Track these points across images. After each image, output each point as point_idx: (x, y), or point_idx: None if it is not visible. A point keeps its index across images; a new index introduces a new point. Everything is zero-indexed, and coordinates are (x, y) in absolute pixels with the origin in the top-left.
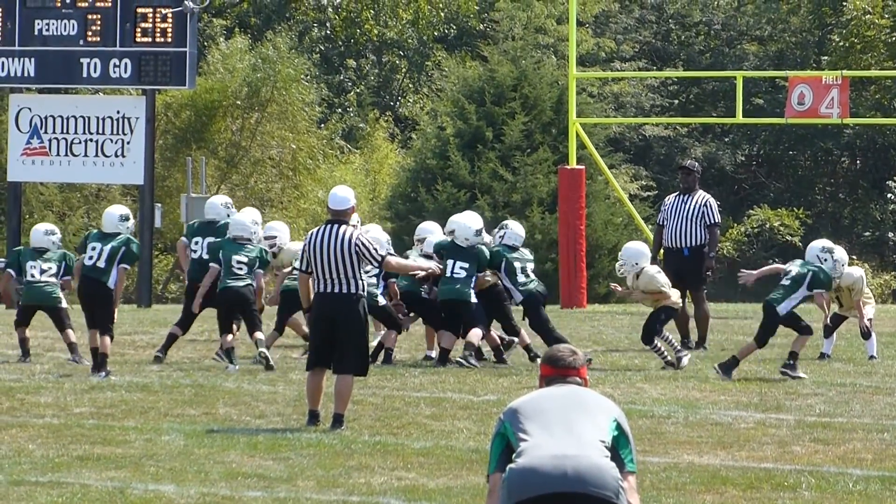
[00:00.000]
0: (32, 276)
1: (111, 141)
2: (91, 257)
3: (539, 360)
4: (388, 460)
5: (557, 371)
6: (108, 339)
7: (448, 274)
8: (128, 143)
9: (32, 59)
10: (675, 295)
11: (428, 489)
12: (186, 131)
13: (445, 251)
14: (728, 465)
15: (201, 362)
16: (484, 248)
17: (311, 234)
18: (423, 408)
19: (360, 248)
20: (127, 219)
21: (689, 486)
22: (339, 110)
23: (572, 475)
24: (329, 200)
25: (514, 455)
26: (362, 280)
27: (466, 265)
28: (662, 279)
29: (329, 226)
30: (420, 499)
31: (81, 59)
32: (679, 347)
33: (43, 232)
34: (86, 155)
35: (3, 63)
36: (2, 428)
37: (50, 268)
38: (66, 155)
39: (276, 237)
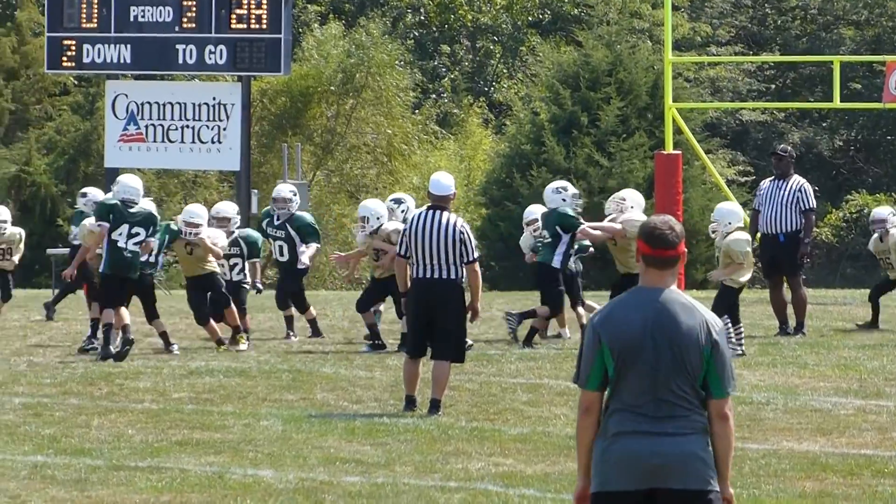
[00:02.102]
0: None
1: (207, 127)
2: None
3: None
4: (485, 446)
5: (655, 251)
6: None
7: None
8: (224, 129)
9: (128, 46)
10: (744, 274)
11: (525, 475)
12: (282, 117)
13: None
14: (828, 452)
15: (300, 348)
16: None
17: (412, 219)
18: (520, 394)
19: (464, 236)
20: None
21: (788, 472)
22: (434, 96)
23: (662, 473)
24: (431, 186)
25: (608, 393)
26: (461, 266)
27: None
28: (743, 249)
29: (430, 211)
30: (517, 485)
31: (177, 46)
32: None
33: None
34: (182, 141)
35: (99, 50)
36: (101, 413)
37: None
38: (163, 141)
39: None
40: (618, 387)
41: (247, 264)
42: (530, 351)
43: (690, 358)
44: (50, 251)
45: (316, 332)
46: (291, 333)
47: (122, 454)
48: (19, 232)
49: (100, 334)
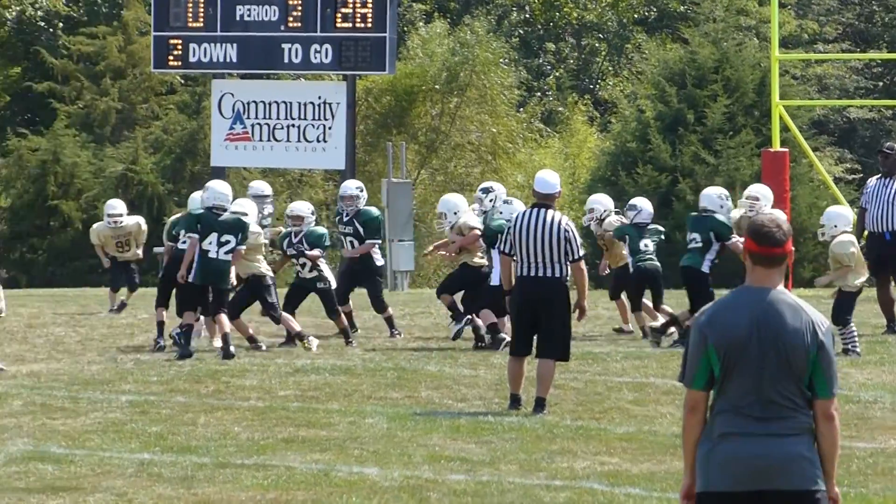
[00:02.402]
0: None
1: (313, 126)
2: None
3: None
4: (591, 445)
5: (762, 249)
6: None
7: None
8: (329, 128)
9: (234, 45)
10: (858, 276)
11: (631, 474)
12: (387, 116)
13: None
14: None
15: (406, 345)
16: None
17: (517, 217)
18: (626, 393)
19: (570, 234)
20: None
21: None
22: (538, 94)
23: (768, 474)
24: (536, 184)
25: (713, 393)
26: (566, 265)
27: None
28: (847, 251)
29: (536, 210)
30: (623, 483)
31: (283, 45)
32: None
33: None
34: (288, 140)
35: (205, 49)
36: (208, 410)
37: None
38: (269, 140)
39: (444, 213)
40: (723, 387)
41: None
42: (636, 350)
43: (796, 358)
44: (157, 249)
45: (392, 328)
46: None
47: (228, 452)
48: (137, 222)
49: (167, 334)
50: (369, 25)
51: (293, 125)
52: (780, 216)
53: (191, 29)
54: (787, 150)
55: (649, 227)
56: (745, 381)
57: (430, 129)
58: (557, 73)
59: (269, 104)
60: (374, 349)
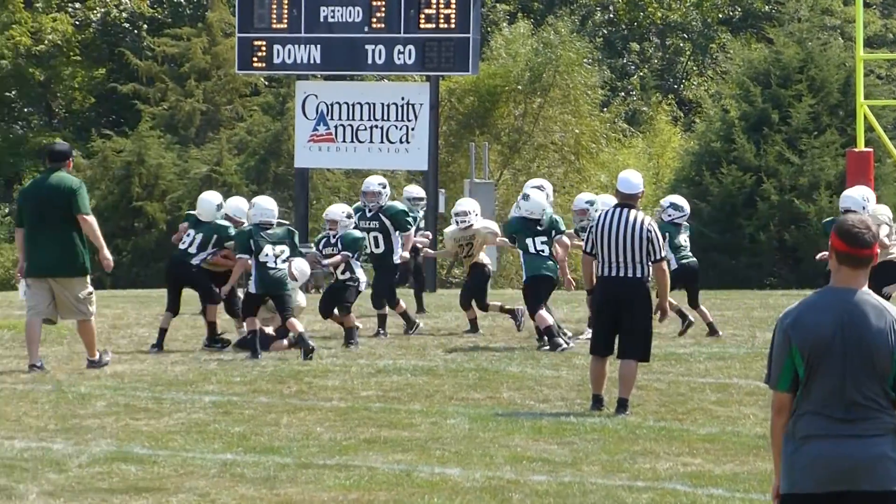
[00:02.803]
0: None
1: (396, 127)
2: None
3: None
4: (674, 446)
5: (850, 249)
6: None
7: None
8: (412, 129)
9: (318, 46)
10: None
11: (714, 475)
12: (470, 117)
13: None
14: None
15: (486, 346)
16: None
17: (600, 217)
18: (709, 393)
19: (652, 234)
20: (221, 207)
21: None
22: (622, 94)
23: (852, 475)
24: (619, 184)
25: (798, 395)
26: (648, 265)
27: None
28: None
29: (618, 210)
30: (706, 484)
31: (366, 46)
32: None
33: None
34: (371, 141)
35: (289, 50)
36: (290, 411)
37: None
38: (352, 141)
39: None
40: (807, 388)
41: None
42: (720, 350)
43: (880, 359)
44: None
45: (409, 325)
46: (382, 332)
47: (310, 452)
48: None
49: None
50: (453, 26)
51: (376, 126)
52: (868, 218)
53: (275, 30)
54: (871, 149)
55: (684, 224)
56: (828, 382)
57: (513, 130)
58: (641, 73)
59: (353, 105)
60: (455, 350)
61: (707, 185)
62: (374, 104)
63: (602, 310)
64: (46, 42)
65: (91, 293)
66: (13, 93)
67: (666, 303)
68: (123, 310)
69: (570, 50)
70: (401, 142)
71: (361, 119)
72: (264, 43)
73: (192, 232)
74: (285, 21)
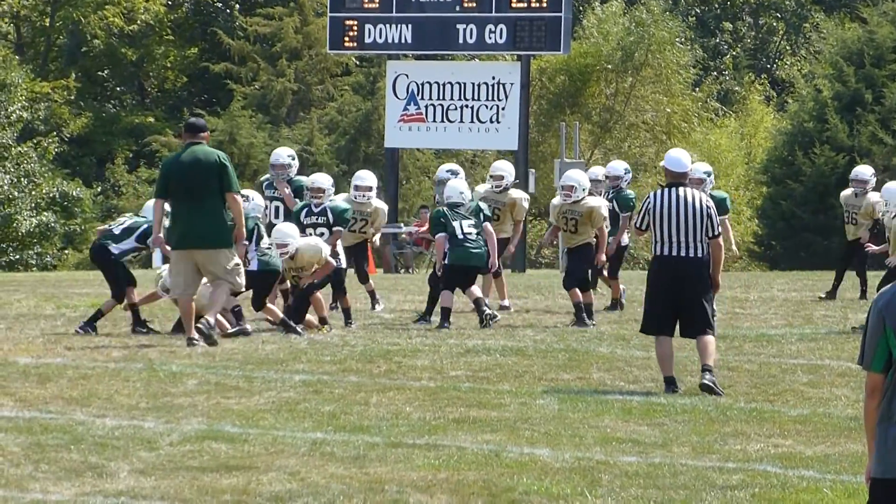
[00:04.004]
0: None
1: (486, 107)
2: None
3: None
4: (765, 427)
5: None
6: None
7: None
8: (503, 108)
9: (409, 26)
10: None
11: (805, 456)
12: (560, 96)
13: None
14: None
15: (570, 327)
16: None
17: (654, 197)
18: (800, 375)
19: (711, 210)
20: None
21: None
22: (715, 73)
23: None
24: (671, 164)
25: (889, 376)
26: (705, 242)
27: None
28: None
29: (672, 189)
30: (797, 466)
31: (457, 26)
32: None
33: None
34: (461, 121)
35: (380, 30)
36: (380, 390)
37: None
38: (442, 121)
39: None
40: None
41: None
42: (811, 331)
43: None
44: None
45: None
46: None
47: (400, 431)
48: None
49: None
50: (544, 5)
51: (467, 106)
52: None
53: (366, 10)
54: None
55: None
56: None
57: (605, 109)
58: (734, 53)
59: (443, 85)
60: (545, 329)
61: (800, 166)
62: (464, 84)
63: (663, 289)
64: (139, 22)
65: (238, 264)
66: (106, 72)
67: (718, 277)
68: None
69: (663, 29)
70: (491, 121)
71: (452, 99)
72: (356, 22)
73: (125, 218)
74: (377, 1)
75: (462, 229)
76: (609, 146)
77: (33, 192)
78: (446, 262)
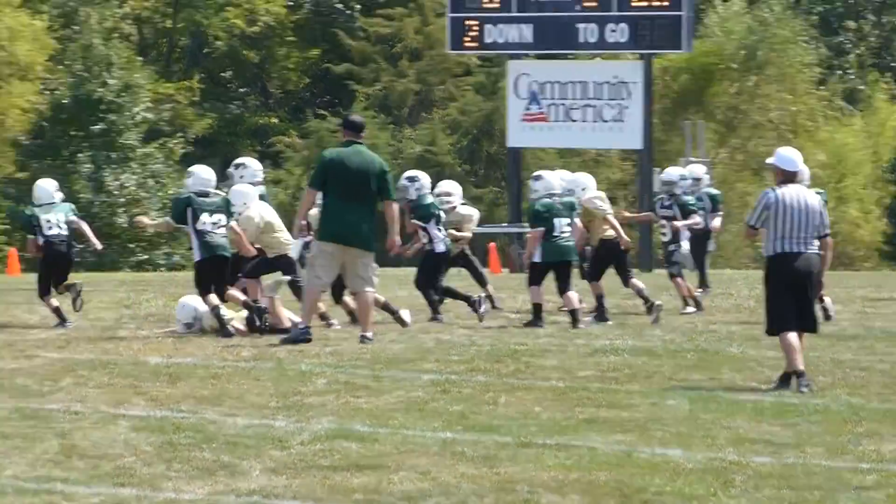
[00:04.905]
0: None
1: (609, 106)
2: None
3: None
4: None
5: None
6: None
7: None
8: (625, 107)
9: (530, 26)
10: None
11: None
12: (684, 95)
13: None
14: None
15: (705, 327)
16: None
17: (774, 195)
18: None
19: (825, 209)
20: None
21: None
22: (839, 71)
23: None
24: (783, 163)
25: None
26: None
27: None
28: None
29: (790, 186)
30: None
31: (578, 25)
32: None
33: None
34: (584, 120)
35: (501, 30)
36: (508, 390)
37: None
38: (565, 120)
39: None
40: None
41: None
42: None
43: None
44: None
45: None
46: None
47: (529, 431)
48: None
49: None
50: (665, 4)
51: (589, 105)
52: None
53: (487, 10)
54: None
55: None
56: None
57: (729, 108)
58: (858, 51)
59: (565, 84)
60: (674, 329)
61: None
62: (586, 83)
63: (789, 284)
64: (261, 23)
65: (377, 268)
66: (229, 74)
67: (823, 277)
68: None
69: (785, 28)
70: (614, 120)
71: (574, 98)
72: (476, 22)
73: (50, 218)
74: (497, 1)
75: (560, 225)
76: (734, 145)
77: (160, 193)
78: (539, 258)
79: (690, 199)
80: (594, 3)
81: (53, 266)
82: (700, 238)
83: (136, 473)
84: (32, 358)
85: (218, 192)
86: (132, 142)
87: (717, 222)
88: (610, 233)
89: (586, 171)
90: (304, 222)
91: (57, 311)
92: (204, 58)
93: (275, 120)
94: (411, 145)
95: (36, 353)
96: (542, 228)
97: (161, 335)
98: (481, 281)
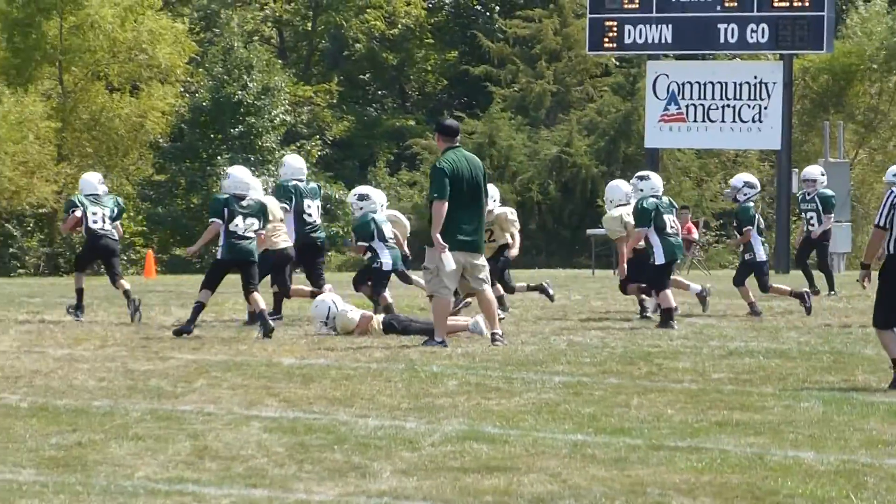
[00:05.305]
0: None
1: (748, 106)
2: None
3: None
4: None
5: None
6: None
7: None
8: (765, 108)
9: (669, 26)
10: None
11: None
12: (823, 95)
13: None
14: None
15: (841, 330)
16: None
17: (892, 193)
18: None
19: None
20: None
21: None
22: None
23: None
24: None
25: None
26: None
27: None
28: None
29: None
30: None
31: (718, 25)
32: None
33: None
34: (723, 121)
35: (640, 30)
36: (640, 392)
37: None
38: (703, 121)
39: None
40: None
41: None
42: None
43: None
44: (590, 231)
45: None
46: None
47: (661, 434)
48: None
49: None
50: (806, 4)
51: (728, 105)
52: None
53: (626, 10)
54: None
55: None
56: None
57: (869, 109)
58: None
59: (704, 85)
60: (809, 331)
61: None
62: (725, 83)
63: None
64: (400, 26)
65: (486, 266)
66: (367, 76)
67: None
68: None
69: None
70: (753, 121)
71: (713, 98)
72: (615, 23)
73: (96, 211)
74: (637, 1)
75: (670, 222)
76: (874, 146)
77: None
78: (662, 258)
79: (830, 192)
80: (734, 4)
81: (96, 256)
82: (814, 241)
83: (267, 474)
84: (166, 359)
85: (256, 192)
86: (271, 144)
87: (823, 227)
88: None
89: (723, 171)
90: (439, 236)
91: (79, 293)
92: (343, 60)
93: (412, 122)
94: (548, 147)
95: (170, 355)
96: (646, 228)
97: (294, 337)
98: (509, 289)
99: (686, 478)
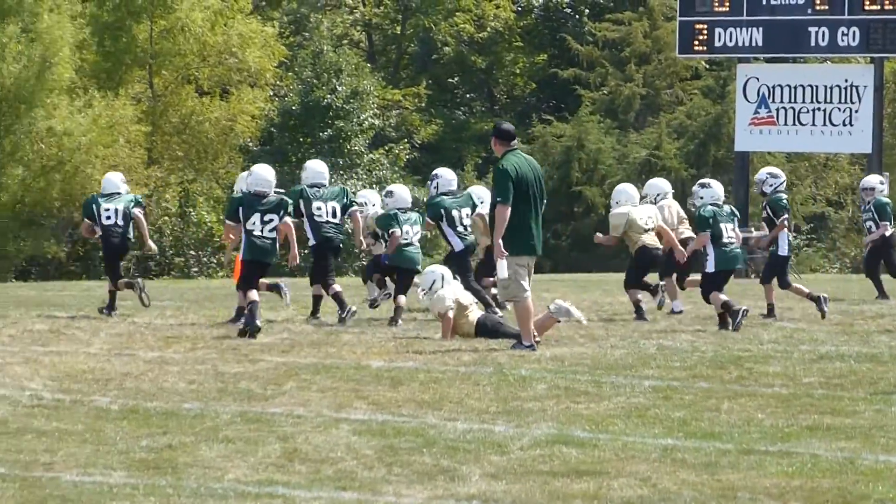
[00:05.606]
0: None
1: (839, 110)
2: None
3: None
4: None
5: None
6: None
7: None
8: (855, 111)
9: (760, 29)
10: None
11: None
12: None
13: None
14: None
15: None
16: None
17: None
18: None
19: None
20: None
21: None
22: None
23: None
24: None
25: None
26: None
27: None
28: None
29: None
30: None
31: (809, 28)
32: None
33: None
34: (813, 124)
35: (731, 33)
36: (731, 397)
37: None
38: (794, 124)
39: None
40: None
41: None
42: None
43: None
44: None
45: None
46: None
47: (751, 438)
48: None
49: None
50: None
51: (818, 109)
52: None
53: (716, 13)
54: None
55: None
56: None
57: None
58: None
59: (795, 88)
60: None
61: None
62: (816, 87)
63: None
64: (489, 29)
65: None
66: (456, 79)
67: None
68: (563, 294)
69: None
70: (843, 125)
71: (803, 101)
72: (706, 26)
73: (109, 207)
74: (727, 4)
75: (727, 231)
76: None
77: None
78: (713, 267)
79: (886, 199)
80: (825, 7)
81: (109, 253)
82: (881, 248)
83: (356, 477)
84: (256, 362)
85: (279, 190)
86: (359, 148)
87: (877, 234)
88: (650, 241)
89: (814, 175)
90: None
91: (112, 294)
92: (431, 64)
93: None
94: (637, 150)
95: (260, 357)
96: (709, 232)
97: (383, 339)
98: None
99: (776, 482)
